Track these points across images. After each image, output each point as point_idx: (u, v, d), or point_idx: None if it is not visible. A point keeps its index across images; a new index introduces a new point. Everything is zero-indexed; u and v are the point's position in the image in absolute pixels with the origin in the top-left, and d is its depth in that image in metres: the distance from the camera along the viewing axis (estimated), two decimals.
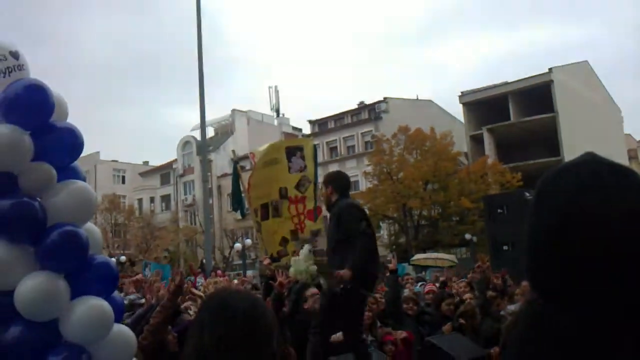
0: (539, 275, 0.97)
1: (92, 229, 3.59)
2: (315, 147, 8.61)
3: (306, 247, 6.97)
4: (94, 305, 3.21)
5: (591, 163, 0.98)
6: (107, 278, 3.47)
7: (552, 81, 41.18)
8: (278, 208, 7.98)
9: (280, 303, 5.60)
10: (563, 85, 41.52)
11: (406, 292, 8.76)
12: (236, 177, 8.71)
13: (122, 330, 3.46)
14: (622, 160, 46.73)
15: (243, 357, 1.46)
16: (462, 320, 7.12)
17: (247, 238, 36.43)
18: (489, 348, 6.29)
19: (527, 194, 10.88)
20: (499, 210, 10.80)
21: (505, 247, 10.87)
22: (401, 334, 6.65)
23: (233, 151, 9.54)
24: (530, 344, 0.94)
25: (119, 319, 3.45)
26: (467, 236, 33.48)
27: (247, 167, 13.61)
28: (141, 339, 4.74)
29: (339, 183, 6.10)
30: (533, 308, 0.98)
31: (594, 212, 0.90)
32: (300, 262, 6.70)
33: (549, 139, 40.01)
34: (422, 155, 37.98)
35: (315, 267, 6.56)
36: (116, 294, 3.65)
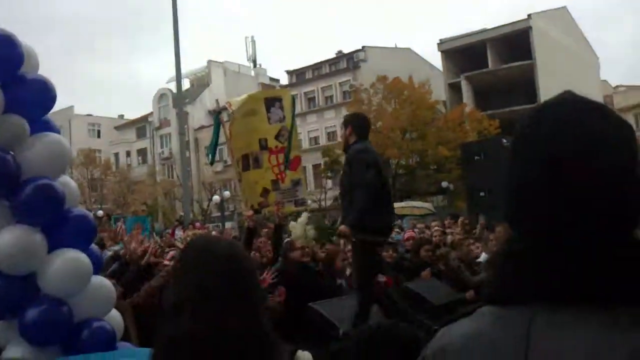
0: (520, 214, 0.98)
1: (67, 182, 3.58)
2: (293, 98, 8.58)
3: (304, 214, 7.01)
4: (72, 257, 3.23)
5: (567, 102, 0.98)
6: (84, 231, 3.48)
7: (530, 28, 41.02)
8: (258, 159, 7.99)
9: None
10: (541, 32, 41.37)
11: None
12: (217, 127, 8.66)
13: (101, 282, 3.50)
14: None
15: (225, 302, 1.42)
16: (442, 267, 7.28)
17: (226, 190, 36.44)
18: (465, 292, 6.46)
19: (505, 141, 10.97)
20: (476, 157, 10.86)
21: (482, 194, 11.00)
22: (381, 277, 6.77)
23: (217, 101, 9.42)
24: (506, 275, 0.96)
25: (97, 271, 3.48)
26: (445, 184, 33.82)
27: (225, 118, 13.51)
28: (137, 296, 4.79)
29: (359, 124, 5.93)
30: (510, 246, 0.99)
31: (575, 150, 0.92)
32: (298, 227, 6.72)
33: (527, 86, 40.10)
34: (400, 105, 37.91)
35: (313, 232, 6.59)
36: (94, 247, 3.66)
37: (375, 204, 5.35)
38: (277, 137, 7.97)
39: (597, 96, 47.33)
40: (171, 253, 5.72)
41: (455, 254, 7.57)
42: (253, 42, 61.85)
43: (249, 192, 8.06)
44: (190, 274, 1.47)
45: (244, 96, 8.78)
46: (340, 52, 52.70)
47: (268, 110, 7.96)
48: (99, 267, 3.58)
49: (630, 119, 54.72)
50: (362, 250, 5.44)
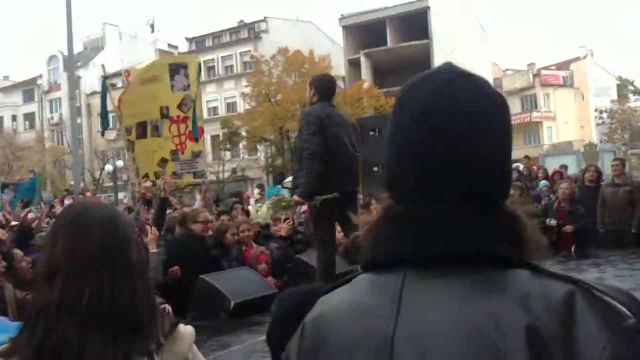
0: (397, 180, 1.00)
1: None
2: (200, 65, 8.33)
3: (256, 191, 7.16)
4: None
5: (446, 72, 1.01)
6: None
7: (428, 7, 42.05)
8: (158, 127, 7.73)
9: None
10: (438, 12, 42.53)
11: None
12: (105, 94, 8.31)
13: None
14: None
15: (98, 270, 1.36)
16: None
17: (119, 159, 35.18)
18: None
19: None
20: (371, 133, 10.98)
21: (375, 169, 11.19)
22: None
23: (102, 66, 9.01)
24: (380, 240, 0.97)
25: None
26: None
27: (119, 85, 12.95)
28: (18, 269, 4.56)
29: (322, 85, 5.87)
30: (386, 212, 1.00)
31: (444, 113, 0.95)
32: (265, 213, 7.11)
33: (423, 65, 40.92)
34: (300, 78, 37.91)
35: (271, 212, 7.06)
36: None
37: (324, 170, 5.38)
38: (179, 106, 7.73)
39: (488, 78, 49.33)
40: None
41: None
42: (152, 6, 59.65)
43: (145, 161, 7.80)
44: (62, 241, 1.40)
45: (145, 63, 8.46)
46: (241, 21, 51.81)
47: (172, 78, 7.69)
48: None
49: (516, 101, 57.73)
50: (316, 211, 5.54)
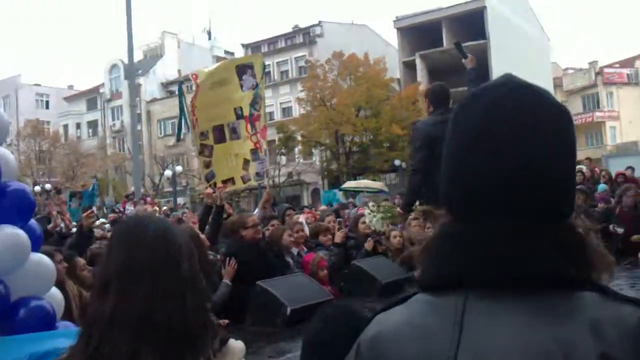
0: (455, 196, 0.97)
1: (4, 154, 3.45)
2: (264, 63, 8.43)
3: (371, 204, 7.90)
4: (8, 233, 3.13)
5: (506, 84, 0.98)
6: (22, 206, 3.37)
7: (485, 7, 41.39)
8: (236, 129, 7.81)
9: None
10: (495, 12, 41.83)
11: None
12: (182, 99, 8.44)
13: (40, 259, 3.40)
14: (548, 87, 48.12)
15: (147, 282, 1.36)
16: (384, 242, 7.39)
17: (178, 165, 35.95)
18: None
19: None
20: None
21: None
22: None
23: (179, 71, 9.20)
24: (439, 260, 0.95)
25: (36, 248, 3.39)
26: (397, 162, 34.13)
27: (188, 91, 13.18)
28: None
29: (433, 94, 6.00)
30: (444, 229, 0.98)
31: (504, 129, 0.92)
32: (378, 222, 7.45)
33: (480, 66, 40.23)
34: (355, 81, 37.92)
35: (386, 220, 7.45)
36: (33, 222, 3.55)
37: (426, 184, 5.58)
38: (252, 104, 7.82)
39: (547, 77, 48.34)
40: None
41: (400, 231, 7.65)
42: (209, 13, 60.77)
43: (228, 166, 7.84)
44: (116, 253, 1.41)
45: (213, 67, 8.59)
46: (296, 26, 52.25)
47: (240, 78, 7.78)
48: (38, 243, 3.48)
49: (577, 100, 56.10)
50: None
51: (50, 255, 3.62)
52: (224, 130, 7.76)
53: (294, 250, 6.91)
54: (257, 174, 7.83)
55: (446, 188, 0.99)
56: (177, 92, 8.17)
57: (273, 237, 6.83)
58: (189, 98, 7.99)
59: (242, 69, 7.85)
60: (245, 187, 8.04)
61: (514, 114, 0.93)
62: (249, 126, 7.77)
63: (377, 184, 25.62)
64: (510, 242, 0.88)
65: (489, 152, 0.92)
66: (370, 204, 8.07)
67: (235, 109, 7.74)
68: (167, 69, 54.08)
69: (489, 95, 0.97)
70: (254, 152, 7.83)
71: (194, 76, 8.15)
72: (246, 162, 7.80)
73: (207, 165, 7.86)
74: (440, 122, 5.44)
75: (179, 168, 34.02)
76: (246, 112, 7.75)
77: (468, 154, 0.94)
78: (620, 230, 8.55)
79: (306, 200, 41.01)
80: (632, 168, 13.68)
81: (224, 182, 7.68)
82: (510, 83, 0.98)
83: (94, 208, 13.88)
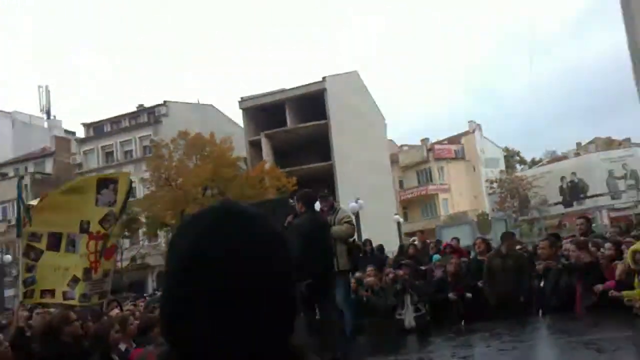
0: (168, 323, 0.95)
1: None
2: (130, 181, 7.97)
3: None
4: None
5: (219, 209, 0.99)
6: None
7: (325, 89, 43.51)
8: (75, 242, 7.22)
9: None
10: (335, 93, 44.05)
11: None
12: (20, 191, 7.76)
13: None
14: (386, 163, 51.06)
15: None
16: None
17: (7, 254, 33.05)
18: None
19: (291, 200, 11.20)
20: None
21: None
22: None
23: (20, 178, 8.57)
24: None
25: None
26: None
27: (10, 174, 12.29)
28: None
29: (305, 200, 7.73)
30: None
31: (212, 255, 0.92)
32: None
33: (322, 145, 42.21)
34: (201, 161, 37.75)
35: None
36: None
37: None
38: (101, 221, 7.27)
39: (384, 154, 51.26)
40: None
41: None
42: (47, 91, 58.26)
43: (53, 276, 7.17)
44: None
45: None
46: (141, 105, 51.49)
47: (98, 192, 7.26)
48: None
49: (412, 175, 59.94)
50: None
51: None
52: (61, 239, 7.22)
53: (122, 346, 6.51)
54: (84, 295, 7.27)
55: (162, 313, 0.98)
56: (11, 177, 7.59)
57: (98, 334, 6.40)
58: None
59: (104, 183, 7.39)
60: (66, 305, 7.29)
61: (227, 239, 0.93)
62: (91, 243, 7.27)
63: None
64: None
65: (198, 276, 0.91)
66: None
67: (82, 221, 7.20)
68: (1, 149, 50.71)
69: (204, 219, 0.98)
70: (87, 271, 7.29)
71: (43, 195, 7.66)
72: (74, 280, 7.23)
73: (30, 269, 7.20)
74: (315, 220, 7.56)
75: (7, 257, 31.22)
76: (93, 229, 7.25)
77: (181, 280, 0.94)
78: (453, 297, 9.21)
79: (151, 285, 39.34)
80: (457, 239, 14.66)
81: (44, 291, 7.12)
82: (224, 209, 0.99)
83: None
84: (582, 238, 9.41)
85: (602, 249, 8.46)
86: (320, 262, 7.47)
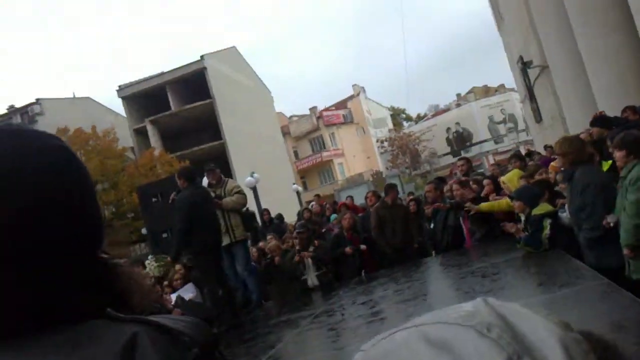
0: None
1: None
2: None
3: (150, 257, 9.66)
4: None
5: None
6: None
7: (205, 68, 42.71)
8: None
9: None
10: (216, 71, 43.38)
11: None
12: None
13: None
14: (277, 135, 51.24)
15: None
16: None
17: None
18: None
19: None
20: (153, 199, 10.77)
21: (164, 235, 10.97)
22: None
23: None
24: None
25: None
26: (144, 230, 33.20)
27: None
28: None
29: (185, 175, 7.88)
30: None
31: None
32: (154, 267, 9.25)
33: (210, 124, 41.64)
34: (86, 156, 36.22)
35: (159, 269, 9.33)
36: None
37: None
38: None
39: (275, 126, 51.38)
40: None
41: None
42: None
43: None
44: None
45: None
46: (12, 106, 48.55)
47: None
48: None
49: (306, 144, 60.42)
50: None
51: None
52: None
53: None
54: None
55: None
56: None
57: None
58: None
59: None
60: None
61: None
62: None
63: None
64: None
65: None
66: (150, 256, 9.77)
67: None
68: None
69: None
70: None
71: None
72: None
73: None
74: (196, 193, 7.70)
75: None
76: None
77: None
78: (349, 250, 9.47)
79: None
80: (351, 197, 15.13)
81: None
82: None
83: None
84: (463, 177, 9.97)
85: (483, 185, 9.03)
86: (204, 234, 7.57)
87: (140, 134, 43.59)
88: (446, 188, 9.58)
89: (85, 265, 0.92)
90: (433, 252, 9.59)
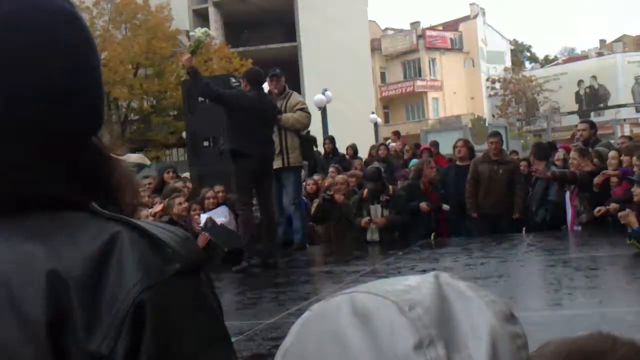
0: None
1: None
2: None
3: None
4: None
5: None
6: None
7: None
8: None
9: None
10: None
11: None
12: None
13: None
14: (364, 49, 50.67)
15: None
16: None
17: None
18: None
19: (233, 80, 11.17)
20: (200, 100, 10.84)
21: (206, 144, 11.20)
22: None
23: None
24: None
25: None
26: (185, 134, 33.77)
27: None
28: None
29: (251, 77, 8.36)
30: None
31: None
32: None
33: (286, 22, 41.52)
34: (132, 31, 36.89)
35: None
36: None
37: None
38: None
39: (364, 39, 50.79)
40: None
41: None
42: None
43: None
44: None
45: None
46: None
47: None
48: None
49: (397, 66, 59.73)
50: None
51: None
52: None
53: None
54: None
55: None
56: None
57: None
58: None
59: None
60: None
61: None
62: None
63: (135, 157, 24.90)
64: None
65: None
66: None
67: None
68: None
69: None
70: None
71: None
72: None
73: None
74: (255, 98, 7.93)
75: None
76: None
77: None
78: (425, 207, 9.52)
79: None
80: (436, 142, 15.06)
81: None
82: None
83: None
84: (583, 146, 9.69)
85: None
86: (257, 145, 7.76)
87: (200, 16, 43.86)
88: (557, 156, 9.45)
89: (76, 151, 0.99)
90: (523, 229, 9.44)
